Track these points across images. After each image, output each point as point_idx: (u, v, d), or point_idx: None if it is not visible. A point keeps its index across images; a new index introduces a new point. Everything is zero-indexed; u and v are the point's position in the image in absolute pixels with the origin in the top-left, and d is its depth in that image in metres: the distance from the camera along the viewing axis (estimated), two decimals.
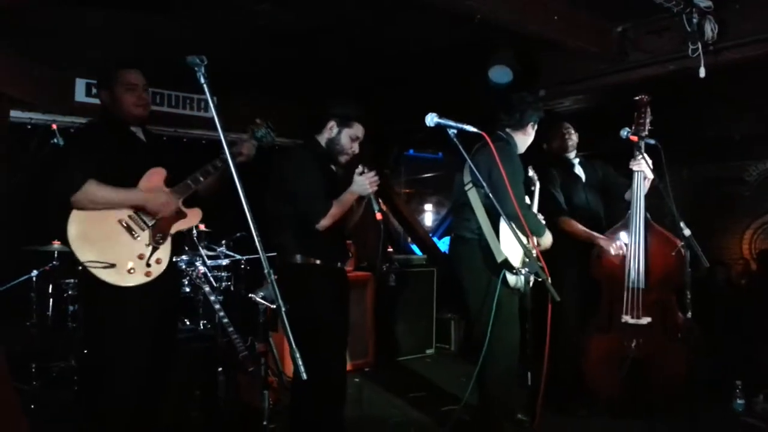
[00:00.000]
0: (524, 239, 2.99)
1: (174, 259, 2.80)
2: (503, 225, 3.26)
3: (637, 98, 3.79)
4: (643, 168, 3.69)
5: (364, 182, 2.97)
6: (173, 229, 2.72)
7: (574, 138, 4.14)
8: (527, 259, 3.13)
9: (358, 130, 3.16)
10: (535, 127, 3.65)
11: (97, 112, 2.92)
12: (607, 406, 3.80)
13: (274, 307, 1.85)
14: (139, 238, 2.62)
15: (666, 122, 3.89)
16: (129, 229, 2.61)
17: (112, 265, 2.51)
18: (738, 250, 6.49)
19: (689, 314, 3.30)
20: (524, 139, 3.61)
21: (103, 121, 2.79)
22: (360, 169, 3.04)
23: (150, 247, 2.63)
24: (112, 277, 2.52)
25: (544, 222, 3.49)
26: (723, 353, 4.23)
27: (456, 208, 3.70)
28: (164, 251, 2.68)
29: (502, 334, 3.26)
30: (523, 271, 3.05)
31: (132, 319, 2.59)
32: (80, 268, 2.55)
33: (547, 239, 3.48)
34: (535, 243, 3.38)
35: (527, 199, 3.53)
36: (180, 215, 2.74)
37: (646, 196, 3.79)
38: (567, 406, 3.89)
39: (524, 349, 2.96)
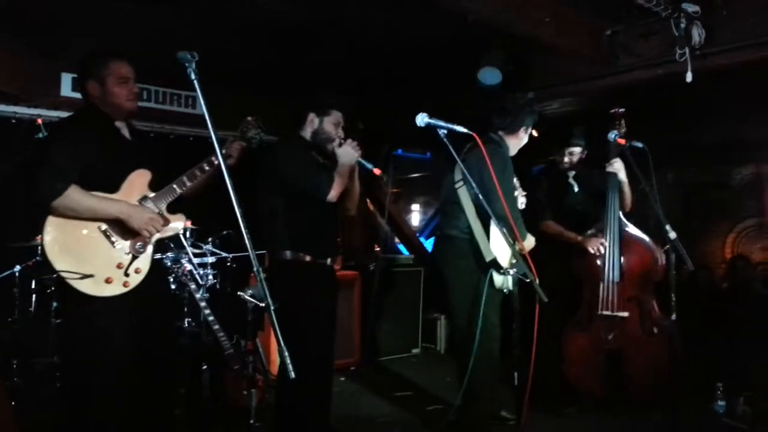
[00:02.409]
0: (512, 241, 3.00)
1: (159, 257, 2.72)
2: (493, 225, 3.26)
3: (612, 111, 3.85)
4: (617, 169, 3.80)
5: (348, 150, 3.03)
6: (154, 237, 2.59)
7: (571, 159, 4.15)
8: (515, 260, 3.12)
9: (337, 116, 3.19)
10: (529, 131, 3.64)
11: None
12: (593, 404, 3.87)
13: (263, 305, 1.84)
14: (118, 247, 2.49)
15: (651, 126, 3.93)
16: (108, 237, 2.48)
17: (89, 276, 2.38)
18: (721, 253, 6.56)
19: (673, 316, 3.35)
20: (516, 143, 3.61)
21: (87, 115, 2.63)
22: (336, 142, 3.10)
23: (129, 256, 2.51)
24: (88, 288, 2.39)
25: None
26: (705, 355, 4.28)
27: (444, 208, 3.70)
28: (144, 260, 2.55)
29: (487, 334, 3.28)
30: (511, 272, 3.06)
31: (109, 329, 2.46)
32: (55, 276, 2.40)
33: (530, 242, 3.49)
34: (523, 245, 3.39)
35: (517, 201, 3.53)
36: (163, 222, 2.61)
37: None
38: (553, 405, 3.92)
39: (511, 350, 2.97)
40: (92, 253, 2.44)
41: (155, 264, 2.64)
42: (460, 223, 3.45)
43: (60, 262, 2.37)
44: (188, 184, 2.62)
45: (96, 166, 2.48)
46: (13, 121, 4.75)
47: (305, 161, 3.07)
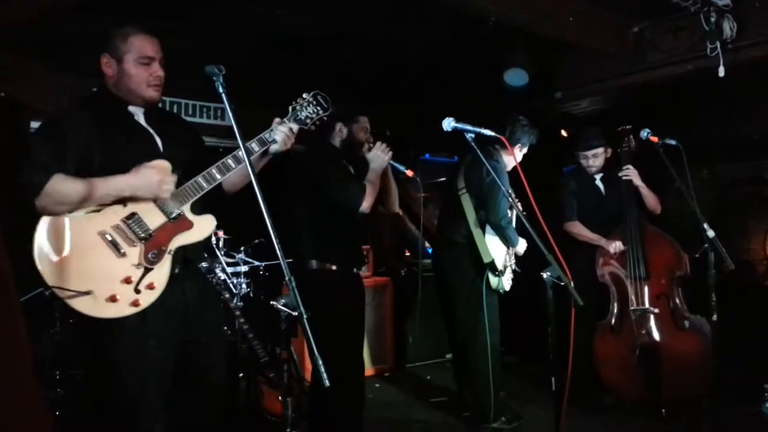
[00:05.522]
0: (544, 246, 2.98)
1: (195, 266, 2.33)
2: (489, 230, 3.68)
3: (619, 129, 3.99)
4: (631, 176, 3.92)
5: (378, 154, 3.05)
6: (173, 244, 2.12)
7: (593, 163, 4.15)
8: (509, 263, 3.74)
9: (364, 121, 3.23)
10: (524, 150, 3.78)
11: None
12: (630, 405, 3.84)
13: (296, 314, 1.86)
14: (126, 256, 2.03)
15: (684, 122, 3.86)
16: (113, 244, 2.02)
17: (87, 293, 1.94)
18: (761, 250, 6.38)
19: (714, 317, 3.27)
20: (509, 159, 3.72)
21: (94, 100, 2.21)
22: (366, 147, 3.13)
23: (141, 269, 2.04)
24: (87, 307, 1.95)
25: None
26: (749, 356, 4.17)
27: (446, 211, 3.92)
28: (159, 273, 2.07)
29: (488, 333, 3.61)
30: (545, 275, 3.04)
31: (128, 351, 2.07)
32: (48, 292, 1.96)
33: (521, 246, 3.77)
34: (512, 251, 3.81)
35: (508, 213, 3.71)
36: (183, 225, 2.14)
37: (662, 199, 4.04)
38: (590, 407, 3.89)
39: (547, 354, 2.94)
40: (91, 263, 1.99)
41: (186, 277, 2.21)
42: (461, 229, 3.71)
43: (52, 275, 1.93)
44: (218, 177, 2.17)
45: (95, 159, 2.06)
46: None
47: (338, 172, 3.08)
